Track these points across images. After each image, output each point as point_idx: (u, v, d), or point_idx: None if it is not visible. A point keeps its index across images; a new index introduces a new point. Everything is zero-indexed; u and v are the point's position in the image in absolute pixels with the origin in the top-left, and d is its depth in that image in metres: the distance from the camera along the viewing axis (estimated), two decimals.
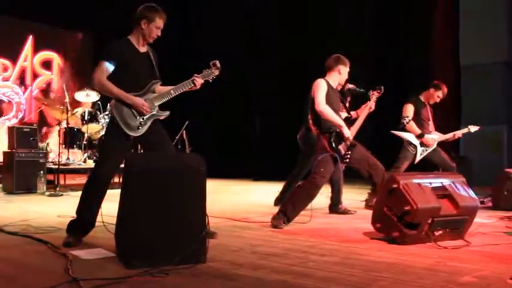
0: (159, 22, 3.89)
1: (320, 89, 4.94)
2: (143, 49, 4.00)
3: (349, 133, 4.87)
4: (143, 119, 3.88)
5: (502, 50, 9.61)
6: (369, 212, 5.86)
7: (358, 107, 5.62)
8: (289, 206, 4.79)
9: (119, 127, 3.79)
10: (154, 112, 3.96)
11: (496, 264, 3.38)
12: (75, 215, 3.88)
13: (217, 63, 4.22)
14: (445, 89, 6.43)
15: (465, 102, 9.76)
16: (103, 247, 3.66)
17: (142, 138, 3.91)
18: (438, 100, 6.46)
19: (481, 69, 9.57)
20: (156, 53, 4.12)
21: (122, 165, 3.59)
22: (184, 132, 9.99)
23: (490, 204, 6.55)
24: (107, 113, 8.76)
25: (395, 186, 4.00)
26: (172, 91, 4.03)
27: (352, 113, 5.33)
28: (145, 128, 3.89)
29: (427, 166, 6.92)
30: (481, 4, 9.61)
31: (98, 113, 8.90)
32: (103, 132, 8.62)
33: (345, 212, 5.84)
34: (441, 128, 6.81)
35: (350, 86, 5.83)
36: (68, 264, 3.09)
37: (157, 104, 3.98)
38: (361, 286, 2.83)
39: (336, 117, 4.86)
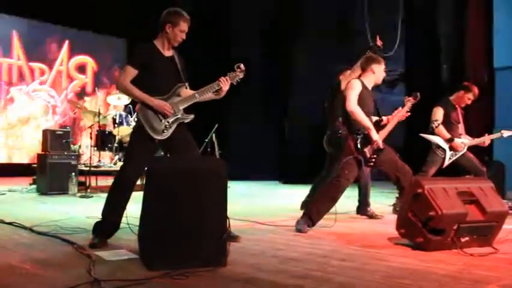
0: (183, 26, 3.94)
1: (353, 88, 4.87)
2: (168, 53, 4.04)
3: (377, 137, 4.78)
4: (168, 122, 3.92)
5: None
6: (394, 217, 5.84)
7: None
8: (313, 209, 4.76)
9: (145, 130, 3.85)
10: (179, 115, 3.99)
11: None
12: (101, 217, 3.95)
13: (242, 65, 4.23)
14: (476, 91, 6.28)
15: (499, 104, 9.53)
16: (127, 248, 3.73)
17: (167, 142, 3.95)
18: (469, 102, 6.32)
19: None
20: (182, 57, 4.16)
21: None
22: (214, 135, 10.05)
23: None
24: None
25: (419, 191, 3.93)
26: (196, 94, 4.06)
27: (384, 118, 5.22)
28: (170, 131, 3.93)
29: (457, 170, 6.81)
30: None
31: (129, 116, 9.05)
32: None
33: (373, 216, 5.78)
34: (474, 131, 6.66)
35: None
36: (91, 264, 3.15)
37: (181, 107, 4.02)
38: None
39: (365, 119, 4.78)
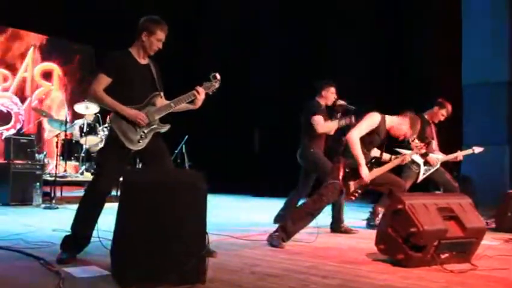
0: (160, 35, 3.78)
1: (368, 122, 4.73)
2: (143, 61, 3.89)
3: (366, 174, 4.68)
4: (143, 132, 3.76)
5: (505, 70, 9.52)
6: (373, 232, 5.77)
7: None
8: (288, 223, 4.65)
9: (119, 140, 3.67)
10: (155, 125, 3.84)
11: None
12: (70, 231, 3.73)
13: (218, 75, 4.10)
14: (449, 108, 6.33)
15: (467, 121, 9.64)
16: (98, 264, 3.53)
17: (142, 152, 3.79)
18: (442, 119, 6.36)
19: (484, 88, 9.48)
20: (158, 65, 4.00)
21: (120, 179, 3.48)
22: (183, 146, 9.87)
23: (493, 225, 6.40)
24: (106, 125, 8.65)
25: (400, 206, 3.86)
26: (172, 104, 3.91)
27: (386, 156, 5.10)
28: (146, 141, 3.76)
29: (429, 186, 6.82)
30: (484, 24, 9.55)
31: (97, 125, 8.79)
32: (101, 145, 8.51)
33: (347, 231, 5.70)
34: (442, 147, 6.69)
35: (341, 102, 5.73)
36: (60, 283, 2.95)
37: (157, 117, 3.86)
38: None
39: (359, 153, 4.64)
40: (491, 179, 9.01)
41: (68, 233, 3.74)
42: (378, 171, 4.89)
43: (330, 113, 5.88)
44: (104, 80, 3.70)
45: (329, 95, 5.85)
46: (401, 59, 10.61)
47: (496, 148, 8.81)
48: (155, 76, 3.93)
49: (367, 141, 4.74)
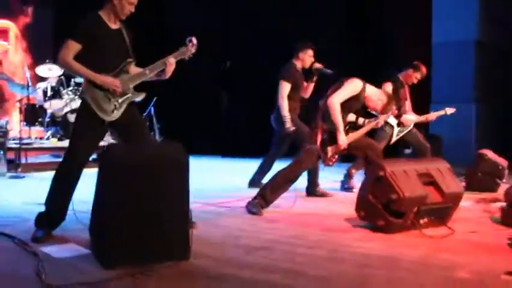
0: None
1: (349, 88, 4.67)
2: (115, 26, 3.67)
3: (344, 140, 4.65)
4: (117, 101, 3.58)
5: (473, 28, 9.56)
6: (347, 194, 5.81)
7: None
8: (267, 190, 4.60)
9: (92, 111, 3.50)
10: (129, 94, 3.66)
11: (486, 256, 3.27)
12: (44, 207, 3.57)
13: (194, 40, 3.91)
14: (424, 70, 6.32)
15: (435, 81, 9.71)
16: (75, 241, 3.41)
17: (118, 124, 3.62)
18: (416, 81, 6.35)
19: (452, 47, 9.52)
20: (131, 31, 3.79)
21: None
22: (152, 109, 9.65)
23: (463, 184, 6.50)
24: (71, 88, 8.35)
25: (381, 173, 3.85)
26: (147, 71, 3.73)
27: (360, 120, 5.06)
28: (120, 111, 3.59)
29: (399, 145, 6.87)
30: None
31: (62, 88, 8.46)
32: (67, 109, 8.22)
33: (323, 194, 5.70)
34: (413, 106, 6.71)
35: (318, 65, 5.63)
36: (39, 266, 2.82)
37: (131, 85, 3.69)
38: (356, 286, 2.68)
39: (339, 120, 4.59)
40: (458, 137, 9.18)
41: (42, 211, 3.57)
42: (354, 136, 4.86)
43: (307, 75, 5.77)
44: (74, 47, 3.49)
45: (306, 58, 5.72)
46: (371, 20, 10.50)
47: (463, 106, 8.90)
48: (128, 42, 3.73)
49: (346, 107, 4.68)
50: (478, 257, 3.25)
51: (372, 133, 6.20)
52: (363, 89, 4.74)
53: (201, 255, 3.13)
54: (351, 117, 4.97)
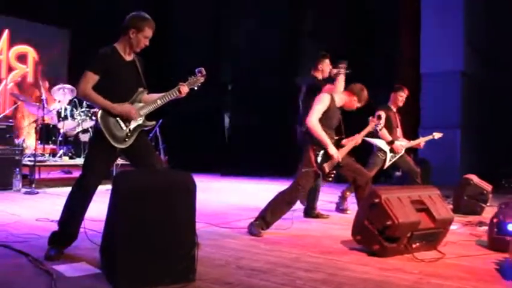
0: (148, 32, 3.55)
1: (320, 103, 4.63)
2: (129, 58, 3.66)
3: (336, 152, 4.58)
4: (129, 130, 3.56)
5: (459, 60, 9.62)
6: (342, 216, 5.76)
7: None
8: (268, 213, 4.54)
9: (105, 139, 3.46)
10: (141, 122, 3.64)
11: (476, 281, 3.23)
12: (57, 227, 3.52)
13: (203, 70, 3.91)
14: (405, 90, 6.30)
15: (424, 108, 9.74)
16: (86, 260, 3.35)
17: (129, 150, 3.59)
18: (402, 101, 6.30)
19: (440, 77, 9.57)
20: (142, 60, 3.78)
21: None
22: (158, 129, 9.62)
23: (451, 206, 6.47)
24: (83, 109, 8.32)
25: (376, 200, 3.81)
26: (158, 101, 3.72)
27: (345, 140, 4.92)
28: (132, 139, 3.57)
29: (389, 169, 6.82)
30: (442, 16, 9.59)
31: (74, 110, 8.44)
32: (78, 129, 8.19)
33: (319, 216, 5.65)
34: (404, 132, 6.69)
35: (336, 70, 5.43)
36: (52, 284, 2.76)
37: (143, 113, 3.67)
38: None
39: (323, 135, 4.54)
40: (445, 161, 9.18)
41: (56, 230, 3.52)
42: (344, 151, 4.78)
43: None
44: (92, 78, 3.47)
45: (325, 67, 5.56)
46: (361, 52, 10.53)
47: (449, 132, 8.92)
48: (141, 72, 3.72)
49: (326, 123, 4.62)
50: (468, 282, 3.20)
51: (366, 159, 6.19)
52: (333, 100, 4.70)
53: (205, 277, 3.07)
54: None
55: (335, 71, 5.22)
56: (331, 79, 5.38)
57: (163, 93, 3.77)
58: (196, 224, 3.08)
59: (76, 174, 7.44)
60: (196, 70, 3.91)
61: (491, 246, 4.20)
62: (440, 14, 9.59)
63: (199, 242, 3.64)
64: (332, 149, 4.54)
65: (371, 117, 5.12)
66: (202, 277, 3.03)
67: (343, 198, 6.13)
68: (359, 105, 4.83)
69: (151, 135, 9.29)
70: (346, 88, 4.85)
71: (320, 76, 5.61)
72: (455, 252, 4.03)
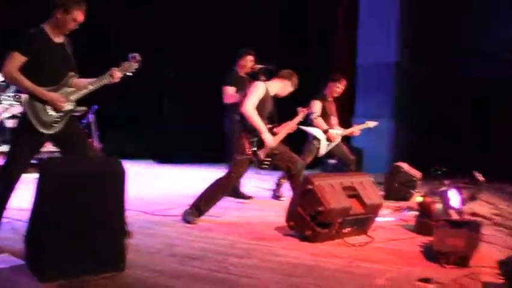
0: (77, 15, 3.40)
1: (256, 91, 4.65)
2: (58, 39, 3.51)
3: (270, 139, 4.62)
4: (58, 115, 3.43)
5: (393, 52, 9.96)
6: (277, 203, 5.84)
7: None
8: (202, 201, 4.53)
9: (31, 125, 3.33)
10: (71, 107, 3.52)
11: (402, 264, 3.39)
12: None
13: (137, 56, 3.83)
14: (343, 80, 6.43)
15: (359, 98, 10.03)
16: (10, 251, 3.21)
17: (58, 136, 3.46)
18: (339, 91, 6.44)
19: (375, 68, 9.87)
20: (71, 42, 3.64)
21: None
22: (92, 116, 9.32)
23: (382, 193, 6.70)
24: (9, 94, 7.92)
25: (309, 187, 3.90)
26: (90, 86, 3.60)
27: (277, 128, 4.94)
28: (61, 124, 3.44)
29: (324, 156, 6.98)
30: (378, 8, 9.87)
31: (0, 94, 8.01)
32: (5, 115, 7.79)
33: (243, 196, 5.85)
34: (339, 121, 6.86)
35: (259, 66, 5.61)
36: None
37: (73, 98, 3.54)
38: None
39: (259, 123, 4.57)
40: (378, 149, 9.49)
41: None
42: (277, 139, 4.82)
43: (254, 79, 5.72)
44: (18, 60, 3.30)
45: (247, 64, 5.79)
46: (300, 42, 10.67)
47: (384, 121, 9.23)
48: (71, 55, 3.58)
49: (260, 111, 4.64)
50: (395, 264, 3.36)
51: (301, 147, 6.30)
52: (267, 89, 4.75)
53: (136, 265, 3.04)
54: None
55: (258, 66, 5.41)
56: (254, 74, 5.51)
57: (94, 79, 3.67)
58: (127, 211, 3.04)
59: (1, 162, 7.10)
60: (130, 56, 3.83)
61: (418, 230, 4.41)
62: (376, 6, 9.87)
63: (130, 230, 3.65)
64: (267, 136, 4.58)
65: (300, 108, 5.19)
66: (132, 265, 2.99)
67: (278, 185, 6.21)
68: (292, 89, 4.91)
69: (85, 121, 8.99)
70: (276, 76, 4.90)
71: (241, 72, 5.87)
72: (384, 236, 4.21)
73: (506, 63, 10.72)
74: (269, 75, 5.40)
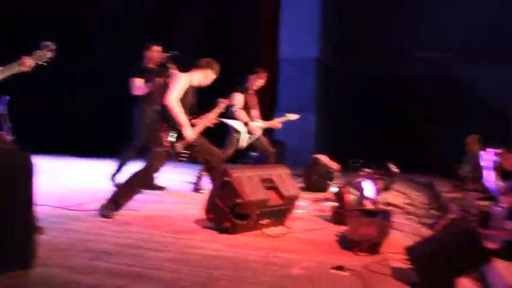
0: None
1: (179, 83, 4.57)
2: None
3: (191, 134, 4.57)
4: None
5: (314, 47, 10.21)
6: (198, 196, 5.82)
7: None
8: (119, 194, 4.42)
9: None
10: None
11: (318, 253, 3.50)
12: None
13: (51, 44, 3.66)
14: (263, 74, 6.49)
15: (281, 92, 10.19)
16: None
17: None
18: (259, 84, 6.50)
19: (297, 62, 10.07)
20: None
21: None
22: (4, 107, 8.80)
23: (302, 185, 6.85)
24: None
25: (227, 179, 3.92)
26: None
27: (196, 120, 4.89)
28: None
29: (247, 150, 7.05)
30: (300, 4, 10.07)
31: None
32: None
33: (157, 187, 5.86)
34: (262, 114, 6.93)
35: (165, 54, 5.51)
36: None
37: None
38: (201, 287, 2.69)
39: (181, 116, 4.51)
40: (300, 142, 9.71)
41: None
42: (196, 131, 4.76)
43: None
44: None
45: (154, 54, 5.78)
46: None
47: (305, 115, 9.45)
48: None
49: (182, 102, 4.60)
50: (310, 254, 3.46)
51: (222, 139, 6.31)
52: (189, 80, 4.71)
53: (47, 262, 2.91)
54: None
55: (165, 55, 5.39)
56: (163, 65, 5.44)
57: (1, 67, 3.47)
58: (40, 207, 2.91)
59: None
60: (42, 44, 3.66)
61: (334, 220, 4.56)
62: (299, 2, 10.06)
63: (42, 225, 3.50)
64: (188, 130, 4.54)
65: (220, 99, 5.18)
66: (43, 262, 2.86)
67: (199, 178, 6.19)
68: (214, 76, 4.87)
69: None
70: (195, 66, 4.84)
71: (150, 63, 5.86)
72: (301, 227, 4.32)
73: (419, 62, 11.35)
74: (178, 62, 5.38)
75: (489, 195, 5.20)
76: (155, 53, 5.80)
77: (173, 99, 4.52)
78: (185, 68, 4.91)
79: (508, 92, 10.83)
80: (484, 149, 5.79)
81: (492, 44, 10.92)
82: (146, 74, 5.77)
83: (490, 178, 5.19)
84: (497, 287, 3.01)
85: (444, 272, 2.82)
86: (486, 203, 4.99)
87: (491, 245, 3.63)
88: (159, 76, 5.60)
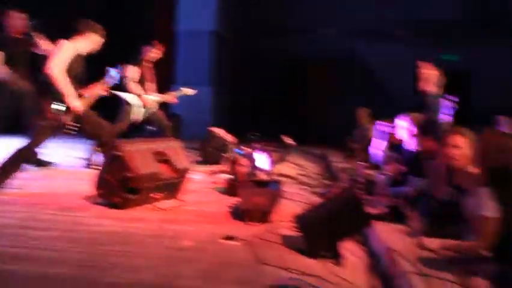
0: None
1: (62, 51, 4.24)
2: None
3: (77, 104, 4.30)
4: None
5: (211, 20, 10.14)
6: (90, 172, 5.59)
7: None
8: (2, 171, 4.15)
9: None
10: None
11: (209, 224, 3.56)
12: None
13: None
14: (159, 46, 6.33)
15: (178, 65, 10.04)
16: None
17: None
18: (154, 56, 6.33)
19: (194, 35, 9.96)
20: None
21: None
22: None
23: (199, 158, 6.86)
24: None
25: (117, 153, 3.82)
26: None
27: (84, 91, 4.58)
28: None
29: (143, 124, 6.90)
30: None
31: None
32: None
33: (45, 163, 5.55)
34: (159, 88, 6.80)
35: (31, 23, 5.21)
36: None
37: None
38: (89, 264, 2.62)
39: (66, 86, 4.21)
40: (197, 115, 9.69)
41: None
42: (86, 102, 4.48)
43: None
44: None
45: (17, 23, 5.22)
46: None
47: (203, 89, 9.42)
48: None
49: (68, 72, 4.30)
50: (202, 225, 3.50)
51: (116, 113, 6.11)
52: (75, 48, 4.41)
53: None
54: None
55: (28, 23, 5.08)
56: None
57: None
58: None
59: None
60: None
61: (228, 191, 4.63)
62: None
63: None
64: (74, 101, 4.28)
65: (109, 67, 4.91)
66: None
67: (91, 153, 5.96)
68: (102, 39, 4.56)
69: None
70: (77, 33, 4.47)
71: (14, 33, 5.27)
72: (195, 199, 4.34)
73: (314, 36, 11.70)
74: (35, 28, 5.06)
75: (375, 165, 5.54)
76: (18, 20, 5.22)
77: (56, 69, 4.20)
78: (56, 36, 4.57)
79: (395, 70, 11.41)
80: (373, 122, 6.15)
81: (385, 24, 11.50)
82: (10, 43, 5.19)
83: (379, 148, 5.53)
84: (377, 248, 3.26)
85: (328, 236, 2.98)
86: (372, 171, 5.30)
87: (373, 210, 3.92)
88: (24, 46, 5.21)
